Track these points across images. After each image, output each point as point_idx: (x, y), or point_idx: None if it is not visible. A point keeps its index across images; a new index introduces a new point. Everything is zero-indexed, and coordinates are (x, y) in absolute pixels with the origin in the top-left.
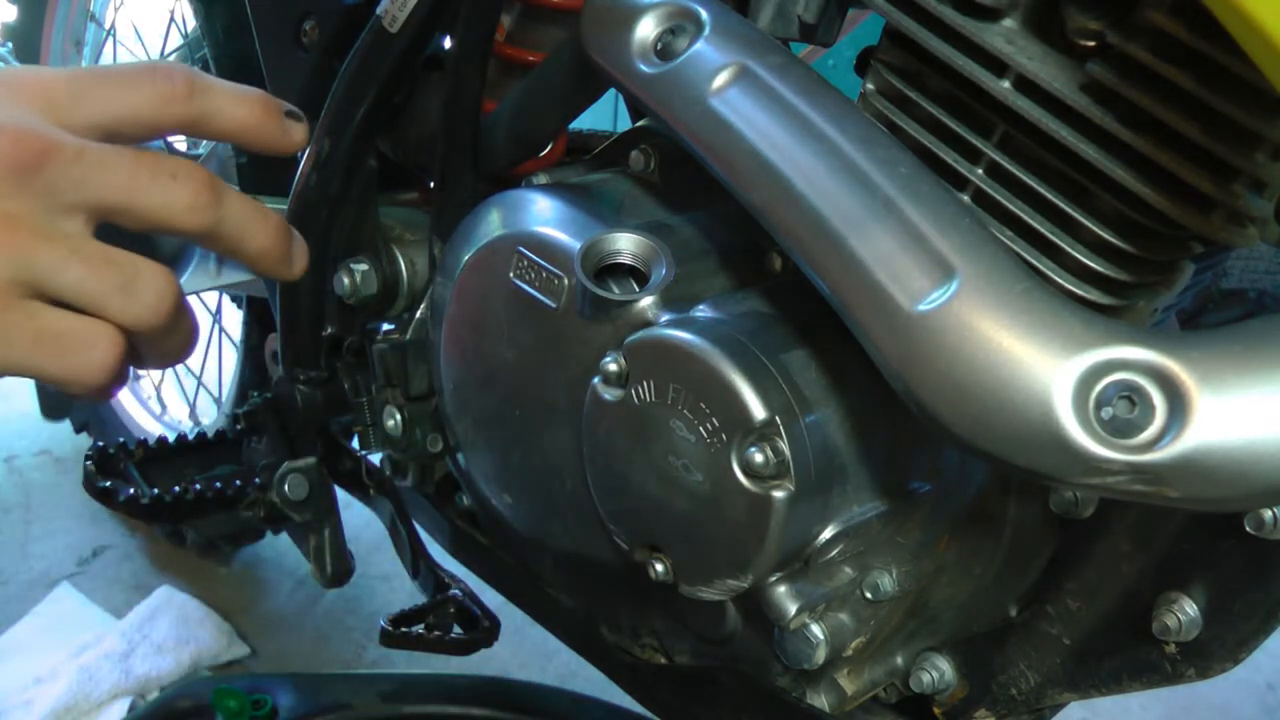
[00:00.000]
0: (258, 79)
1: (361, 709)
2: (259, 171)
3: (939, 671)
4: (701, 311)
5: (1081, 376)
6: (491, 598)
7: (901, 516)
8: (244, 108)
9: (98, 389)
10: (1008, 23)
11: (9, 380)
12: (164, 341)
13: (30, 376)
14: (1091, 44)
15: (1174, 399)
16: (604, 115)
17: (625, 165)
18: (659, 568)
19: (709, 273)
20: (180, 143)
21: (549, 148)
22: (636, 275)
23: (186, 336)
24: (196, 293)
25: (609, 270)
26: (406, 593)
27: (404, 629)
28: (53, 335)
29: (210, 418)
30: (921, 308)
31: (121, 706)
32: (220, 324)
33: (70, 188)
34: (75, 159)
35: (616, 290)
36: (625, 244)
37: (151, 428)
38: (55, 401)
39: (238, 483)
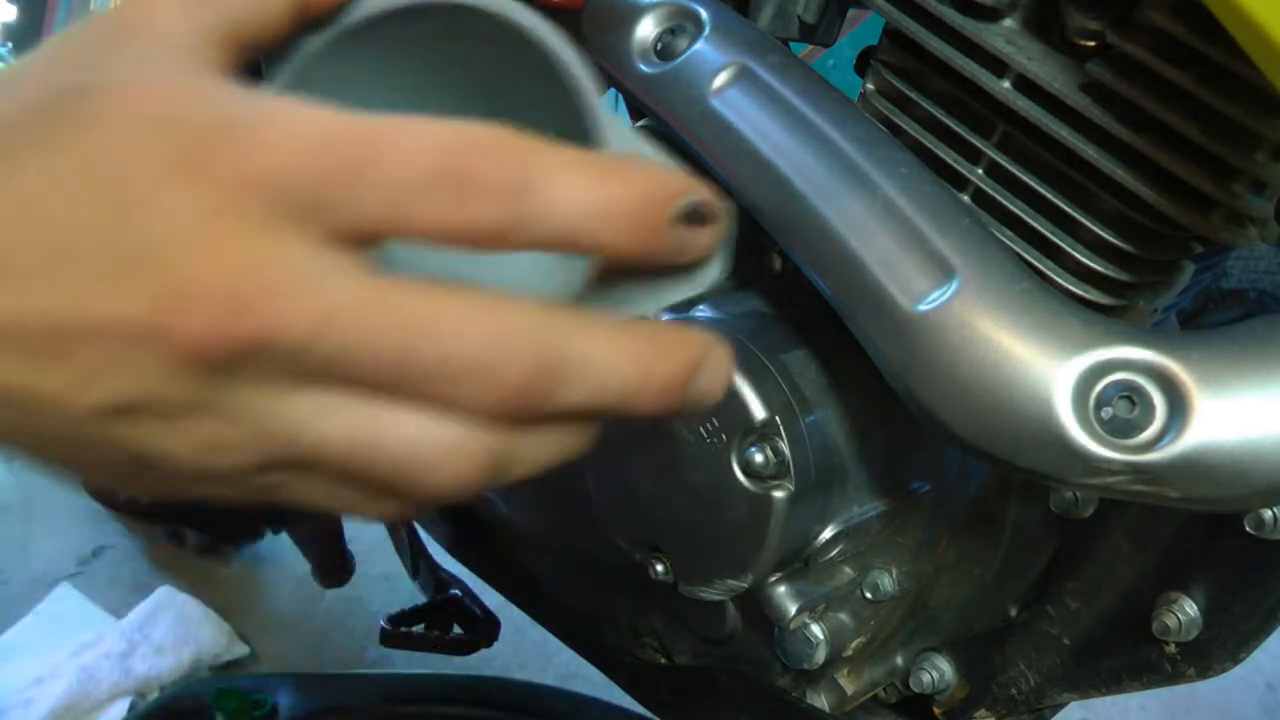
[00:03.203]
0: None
1: (361, 709)
2: None
3: (939, 671)
4: (701, 311)
5: (1081, 376)
6: (491, 598)
7: (901, 516)
8: (596, 213)
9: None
10: (1008, 23)
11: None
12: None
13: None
14: (1091, 44)
15: (1174, 399)
16: None
17: None
18: (659, 568)
19: None
20: None
21: None
22: None
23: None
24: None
25: None
26: (406, 593)
27: (404, 629)
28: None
29: None
30: (921, 308)
31: (121, 706)
32: None
33: (298, 375)
34: (312, 336)
35: None
36: None
37: None
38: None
39: None
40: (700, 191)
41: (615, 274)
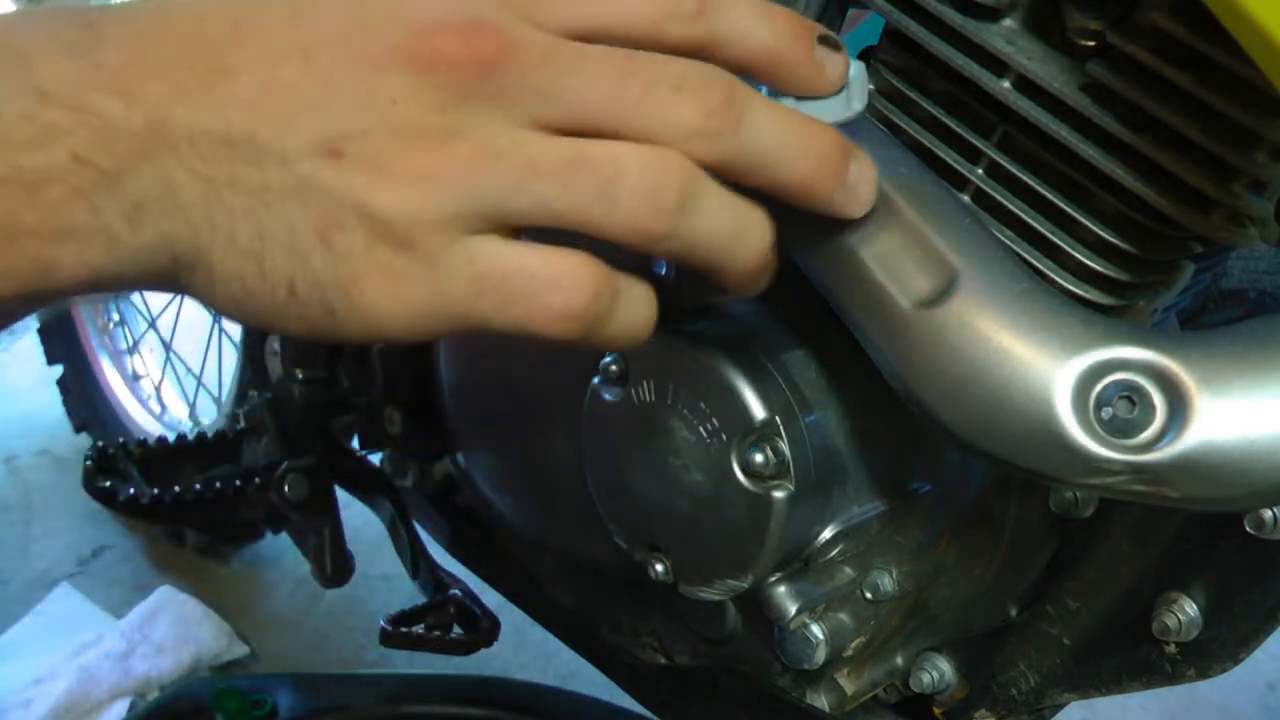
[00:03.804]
0: None
1: (361, 709)
2: None
3: (939, 671)
4: (701, 312)
5: (1081, 376)
6: (491, 598)
7: (901, 516)
8: (766, 27)
9: (578, 339)
10: (1008, 23)
11: (10, 380)
12: (708, 257)
13: (479, 330)
14: (1091, 44)
15: (1174, 399)
16: None
17: None
18: (659, 568)
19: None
20: None
21: None
22: None
23: (750, 254)
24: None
25: None
26: (406, 593)
27: (404, 629)
28: (497, 280)
29: (210, 418)
30: (921, 308)
31: (121, 706)
32: (220, 324)
33: (533, 98)
34: (543, 61)
35: None
36: None
37: (151, 428)
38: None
39: (238, 483)
40: (824, 30)
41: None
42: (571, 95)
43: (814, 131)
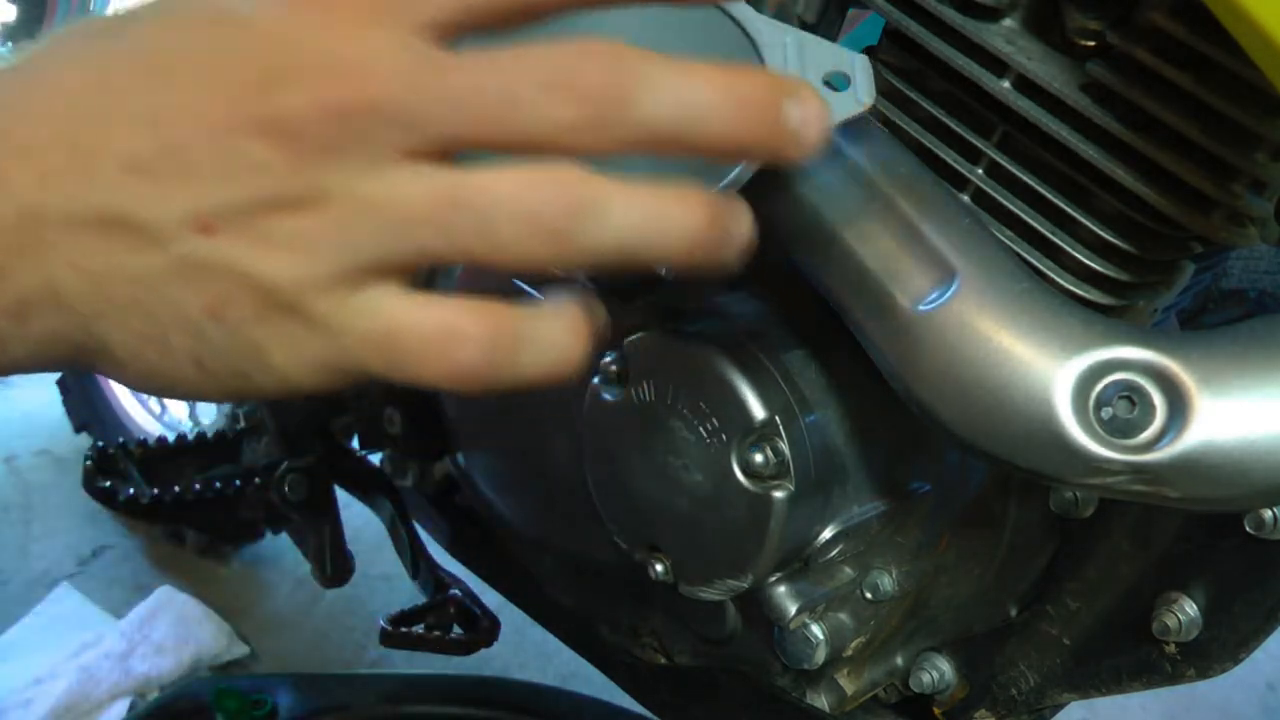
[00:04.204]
0: None
1: (361, 709)
2: None
3: (939, 671)
4: (701, 312)
5: (1081, 376)
6: (491, 598)
7: (901, 516)
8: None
9: (483, 389)
10: (1008, 23)
11: (10, 380)
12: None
13: (390, 381)
14: (1091, 44)
15: (1174, 399)
16: None
17: None
18: (659, 568)
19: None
20: None
21: None
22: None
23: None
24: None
25: None
26: (406, 593)
27: (404, 629)
28: (386, 338)
29: (210, 418)
30: (921, 308)
31: (121, 706)
32: None
33: (396, 132)
34: (402, 91)
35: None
36: None
37: (151, 428)
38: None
39: (238, 483)
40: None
41: None
42: (437, 122)
43: (731, 81)
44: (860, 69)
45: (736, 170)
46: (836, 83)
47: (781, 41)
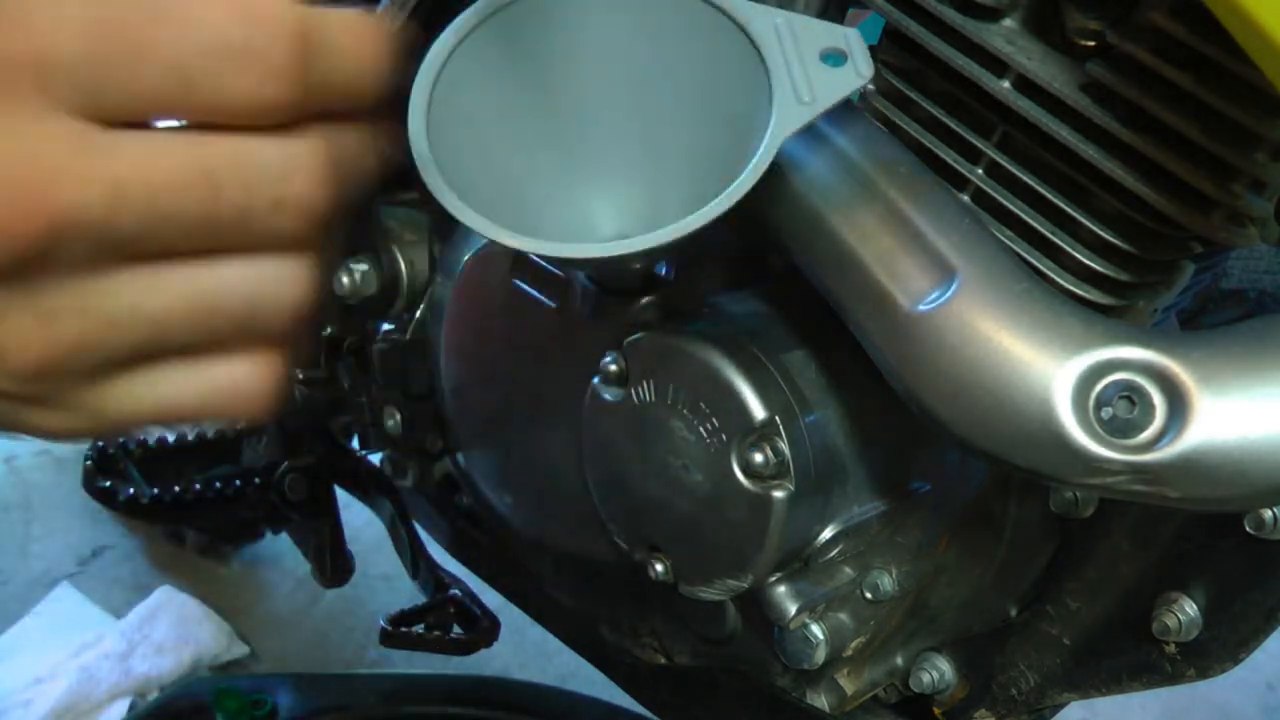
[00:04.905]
0: None
1: (361, 709)
2: None
3: (939, 671)
4: (701, 312)
5: (1081, 376)
6: (491, 598)
7: (901, 516)
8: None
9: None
10: (1008, 23)
11: None
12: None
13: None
14: (1091, 44)
15: (1174, 399)
16: None
17: None
18: (659, 568)
19: (709, 273)
20: None
21: None
22: None
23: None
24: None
25: None
26: (406, 593)
27: (404, 629)
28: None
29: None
30: (921, 308)
31: (121, 706)
32: None
33: (82, 247)
34: (111, 203)
35: None
36: None
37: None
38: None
39: (238, 483)
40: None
41: None
42: (157, 230)
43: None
44: (855, 42)
45: (759, 153)
46: (833, 59)
47: (772, 24)
